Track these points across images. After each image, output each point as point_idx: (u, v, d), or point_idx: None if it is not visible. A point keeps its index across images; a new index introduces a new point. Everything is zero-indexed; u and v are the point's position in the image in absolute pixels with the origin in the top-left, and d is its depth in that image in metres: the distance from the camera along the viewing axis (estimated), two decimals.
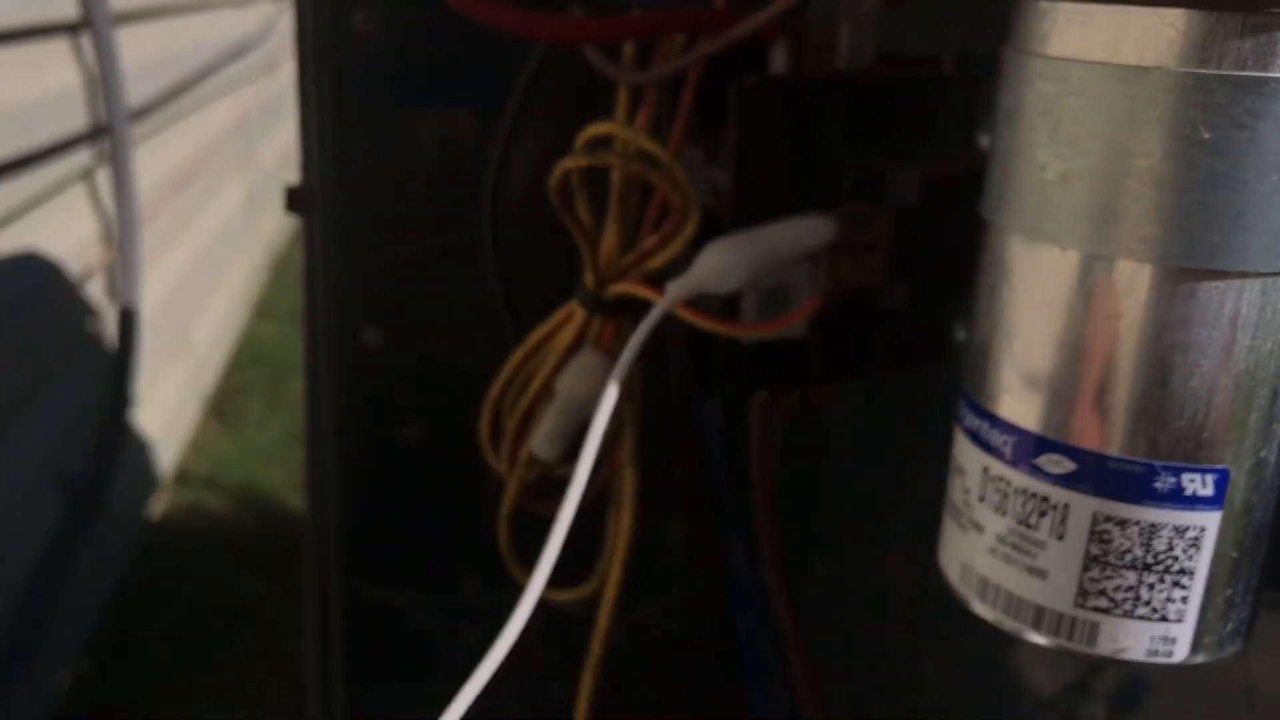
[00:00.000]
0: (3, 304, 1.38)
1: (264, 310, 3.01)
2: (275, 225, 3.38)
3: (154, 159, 1.96)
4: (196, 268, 2.32)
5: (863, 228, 0.38)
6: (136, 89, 1.78)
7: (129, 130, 1.69)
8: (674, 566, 0.55)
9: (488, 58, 0.48)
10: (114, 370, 1.65)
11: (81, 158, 1.63)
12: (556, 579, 0.43)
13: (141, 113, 1.87)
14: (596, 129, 0.37)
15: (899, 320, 0.40)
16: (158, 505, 2.01)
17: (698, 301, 0.39)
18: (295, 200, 0.54)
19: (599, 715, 0.47)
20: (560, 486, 0.45)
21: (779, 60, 0.39)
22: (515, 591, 0.37)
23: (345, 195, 0.51)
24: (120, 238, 1.71)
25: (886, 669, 0.49)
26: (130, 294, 1.69)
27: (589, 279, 0.39)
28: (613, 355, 0.39)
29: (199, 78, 2.34)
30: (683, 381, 0.41)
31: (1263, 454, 0.28)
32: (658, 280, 0.38)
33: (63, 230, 1.57)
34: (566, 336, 0.40)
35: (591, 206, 0.39)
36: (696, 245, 0.37)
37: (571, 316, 0.40)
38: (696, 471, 0.45)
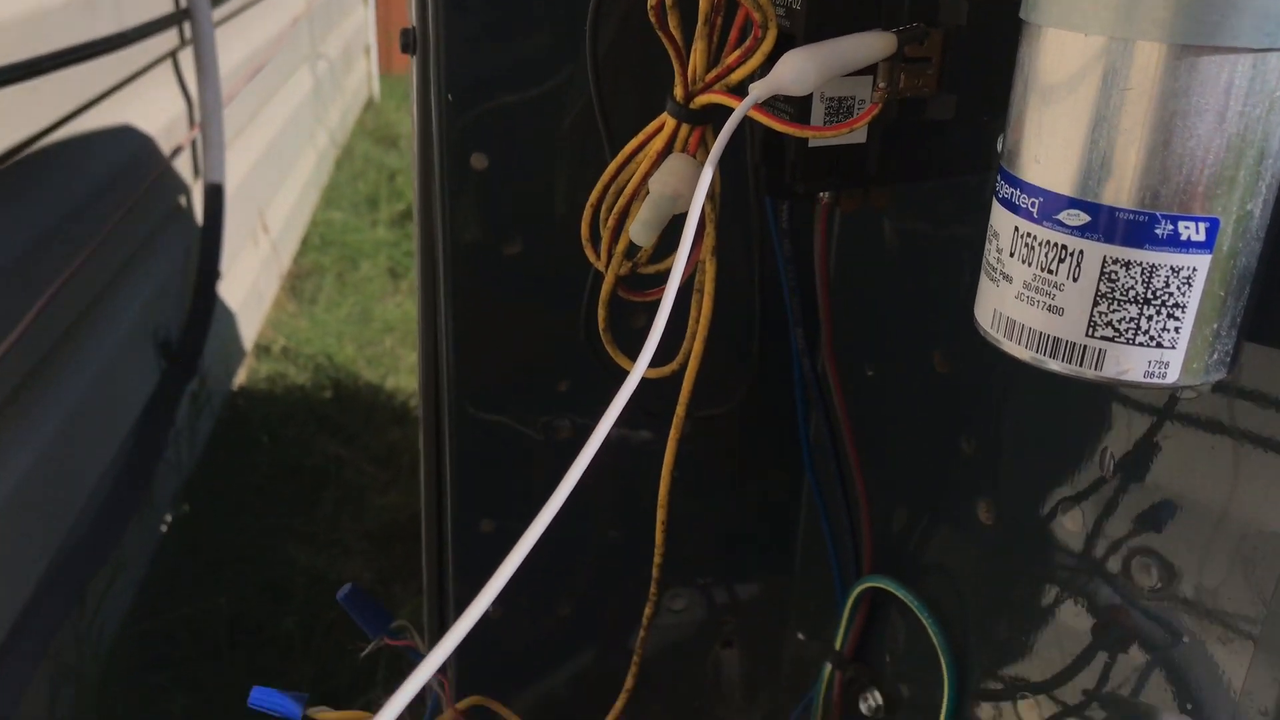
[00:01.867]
0: (102, 175, 1.46)
1: (331, 199, 3.10)
2: (339, 117, 3.44)
3: (229, 45, 2.02)
4: (270, 152, 2.40)
5: (918, 43, 0.43)
6: None
7: (210, 13, 1.76)
8: (744, 371, 0.62)
9: None
10: (203, 242, 1.74)
11: (168, 39, 1.69)
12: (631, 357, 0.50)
13: None
14: None
15: (948, 130, 0.46)
16: (240, 374, 2.12)
17: (773, 108, 0.45)
18: (408, 40, 0.60)
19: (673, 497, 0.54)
20: (646, 281, 0.52)
21: None
22: (602, 391, 0.43)
23: (455, 36, 0.57)
24: (203, 117, 1.78)
25: (927, 449, 0.56)
26: (215, 171, 1.77)
27: (678, 91, 0.46)
28: (698, 158, 0.46)
29: None
30: (756, 186, 0.48)
31: (1249, 206, 0.34)
32: (738, 92, 0.44)
33: (151, 108, 1.65)
34: (658, 143, 0.47)
35: (682, 25, 0.45)
36: (773, 60, 0.43)
37: (662, 126, 0.47)
38: (767, 272, 0.51)
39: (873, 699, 0.62)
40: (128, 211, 1.51)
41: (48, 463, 1.23)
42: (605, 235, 0.49)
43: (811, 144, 0.46)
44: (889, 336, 0.58)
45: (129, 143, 1.57)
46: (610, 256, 0.50)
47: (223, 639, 1.42)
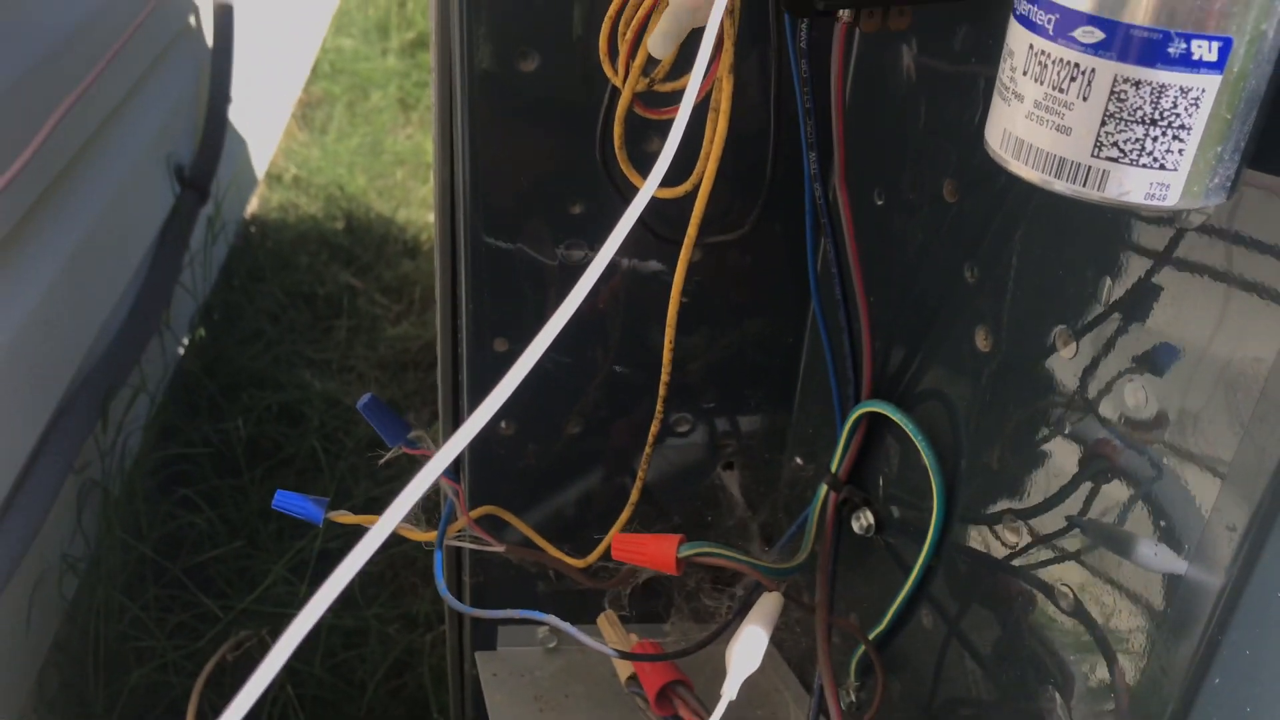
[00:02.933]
0: None
1: (340, 26, 3.03)
2: None
3: None
4: None
5: None
6: None
7: None
8: (753, 199, 0.63)
9: None
10: (213, 66, 1.72)
11: None
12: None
13: None
14: None
15: None
16: (252, 202, 2.12)
17: None
18: None
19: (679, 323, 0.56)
20: (662, 99, 0.53)
21: None
22: (615, 213, 0.44)
23: None
24: None
25: (931, 276, 0.58)
26: None
27: None
28: None
29: None
30: (776, 1, 0.47)
31: (1263, 26, 0.34)
32: None
33: None
34: None
35: None
36: None
37: None
38: (783, 93, 0.52)
39: (865, 518, 0.65)
40: (135, 31, 1.49)
41: (66, 283, 1.25)
42: (623, 48, 0.50)
43: None
44: (900, 165, 0.59)
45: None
46: (628, 71, 0.50)
47: (241, 458, 1.47)
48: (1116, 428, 0.47)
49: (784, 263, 0.68)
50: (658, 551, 0.58)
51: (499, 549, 0.66)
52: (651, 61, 0.49)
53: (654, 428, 0.61)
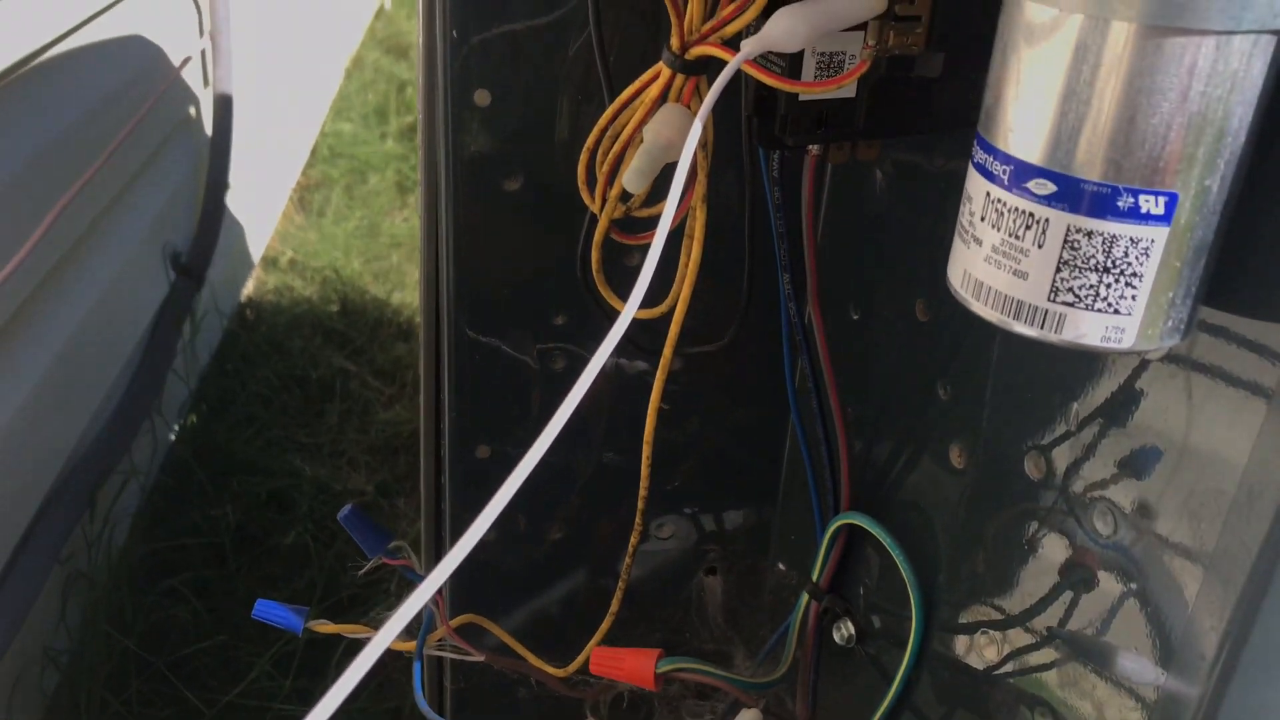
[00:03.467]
0: (113, 86, 1.47)
1: (340, 110, 3.08)
2: (349, 29, 3.41)
3: None
4: (278, 63, 2.39)
5: (907, 2, 0.44)
6: None
7: None
8: (733, 311, 0.64)
9: None
10: (212, 154, 1.75)
11: None
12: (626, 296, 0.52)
13: None
14: None
15: (935, 87, 0.47)
16: (248, 286, 2.14)
17: (765, 63, 0.46)
18: None
19: (661, 427, 0.56)
20: (639, 224, 0.54)
21: None
22: (597, 326, 0.45)
23: None
24: (213, 26, 1.77)
25: (906, 392, 0.59)
26: (224, 82, 1.77)
27: (674, 42, 0.47)
28: (692, 107, 0.47)
29: None
30: (748, 136, 0.49)
31: (1207, 183, 0.36)
32: (733, 44, 0.45)
33: (161, 18, 1.64)
34: (653, 91, 0.48)
35: None
36: (766, 15, 0.44)
37: (658, 75, 0.48)
38: (757, 218, 0.53)
39: (845, 629, 0.65)
40: (138, 122, 1.52)
41: (59, 372, 1.26)
42: (600, 179, 0.51)
43: (802, 98, 0.47)
44: (874, 283, 0.60)
45: (138, 53, 1.57)
46: (604, 201, 0.51)
47: (229, 547, 1.46)
48: (1089, 541, 0.48)
49: (765, 371, 0.69)
50: (636, 666, 0.59)
51: (479, 658, 0.66)
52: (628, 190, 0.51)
53: (633, 539, 0.61)
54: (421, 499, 0.74)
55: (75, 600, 1.27)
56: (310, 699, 1.17)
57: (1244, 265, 0.39)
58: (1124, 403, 0.45)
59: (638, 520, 0.59)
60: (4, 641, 1.04)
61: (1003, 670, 0.55)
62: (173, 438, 1.66)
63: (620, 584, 0.63)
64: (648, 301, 0.54)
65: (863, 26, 0.45)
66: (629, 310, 0.44)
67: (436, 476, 0.72)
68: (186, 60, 1.75)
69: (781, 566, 0.75)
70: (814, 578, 0.66)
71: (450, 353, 0.68)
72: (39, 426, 1.22)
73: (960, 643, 0.57)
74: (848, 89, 0.47)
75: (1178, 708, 0.44)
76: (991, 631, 0.55)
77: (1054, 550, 0.50)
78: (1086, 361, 0.47)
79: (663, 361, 0.52)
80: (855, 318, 0.62)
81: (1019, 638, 0.54)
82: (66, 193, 1.28)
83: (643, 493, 0.57)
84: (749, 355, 0.70)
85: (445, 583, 0.74)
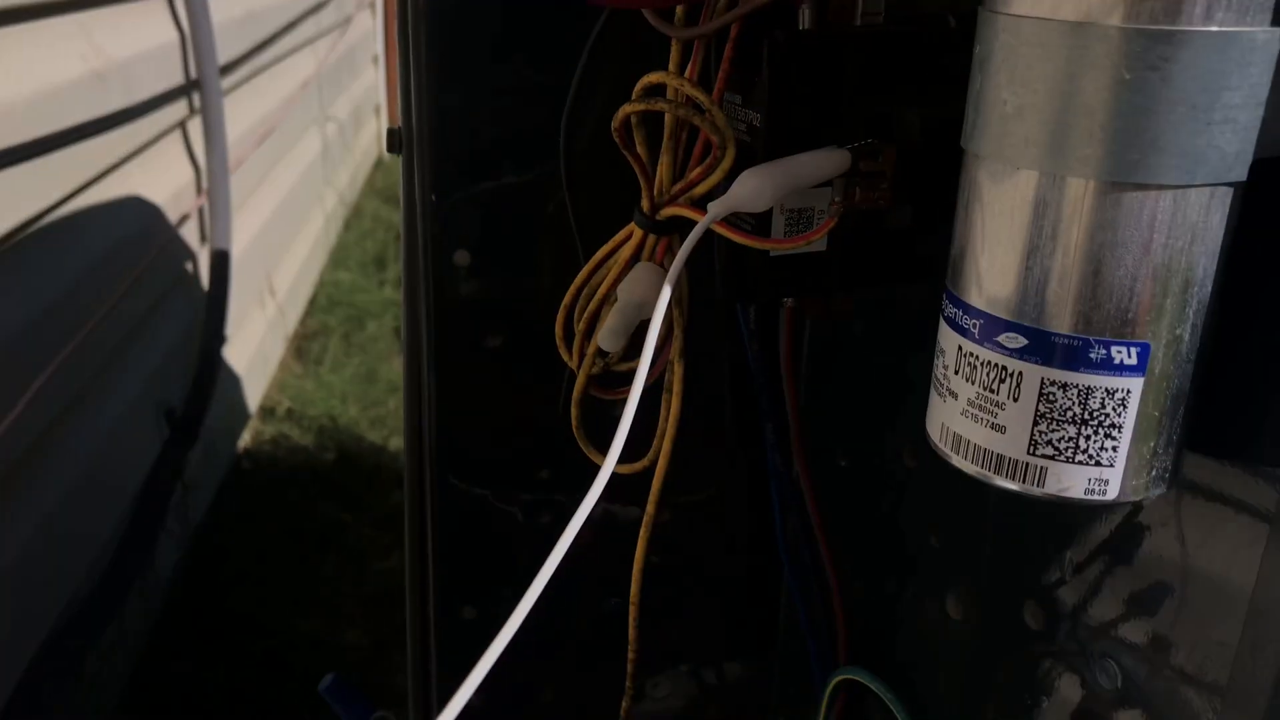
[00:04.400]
0: (110, 246, 1.49)
1: (339, 259, 3.13)
2: (348, 178, 3.49)
3: (239, 111, 2.06)
4: (278, 216, 2.44)
5: (872, 159, 0.45)
6: (224, 44, 1.88)
7: (219, 84, 1.80)
8: (718, 462, 0.63)
9: (563, 19, 0.56)
10: (208, 309, 1.77)
11: (177, 110, 1.73)
12: (619, 457, 0.52)
13: (229, 67, 1.97)
14: (651, 78, 0.45)
15: (905, 239, 0.48)
16: (245, 437, 2.14)
17: (735, 222, 0.47)
18: (395, 141, 0.62)
19: (647, 575, 0.55)
20: (618, 379, 0.54)
21: (806, 18, 0.46)
22: (582, 479, 0.45)
23: (438, 137, 0.59)
24: (210, 185, 1.81)
25: (898, 542, 0.57)
26: (221, 238, 1.80)
27: (645, 204, 0.47)
28: (664, 266, 0.47)
29: (280, 33, 2.43)
30: (724, 293, 0.49)
31: (1178, 331, 0.35)
32: (701, 204, 0.46)
33: (160, 178, 1.68)
34: (626, 252, 0.48)
35: (648, 143, 0.47)
36: (734, 175, 0.45)
37: (630, 235, 0.48)
38: (737, 372, 0.53)
39: None
40: (134, 280, 1.54)
41: (49, 533, 1.25)
42: (577, 337, 0.51)
43: (772, 254, 0.48)
44: (861, 431, 0.59)
45: (137, 212, 1.60)
46: (582, 357, 0.51)
47: (219, 712, 1.42)
48: (1091, 692, 0.46)
49: (756, 522, 0.68)
50: None
51: None
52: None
53: (625, 702, 0.59)
54: (409, 663, 0.72)
55: None
56: None
57: (1222, 411, 0.38)
58: (1120, 548, 0.44)
59: (628, 683, 0.57)
60: None
61: None
62: (166, 597, 1.63)
63: None
64: (633, 454, 0.53)
65: (830, 183, 0.45)
66: (607, 467, 0.43)
67: (423, 640, 0.70)
68: (184, 218, 1.78)
69: None
70: None
71: (434, 503, 0.67)
72: (28, 587, 1.20)
73: None
74: (818, 244, 0.48)
75: None
76: None
77: (1059, 703, 0.49)
78: (1080, 509, 0.46)
79: (646, 517, 0.51)
80: (843, 464, 0.61)
81: None
82: (60, 353, 1.28)
83: (631, 654, 0.55)
84: (740, 506, 0.69)
85: None
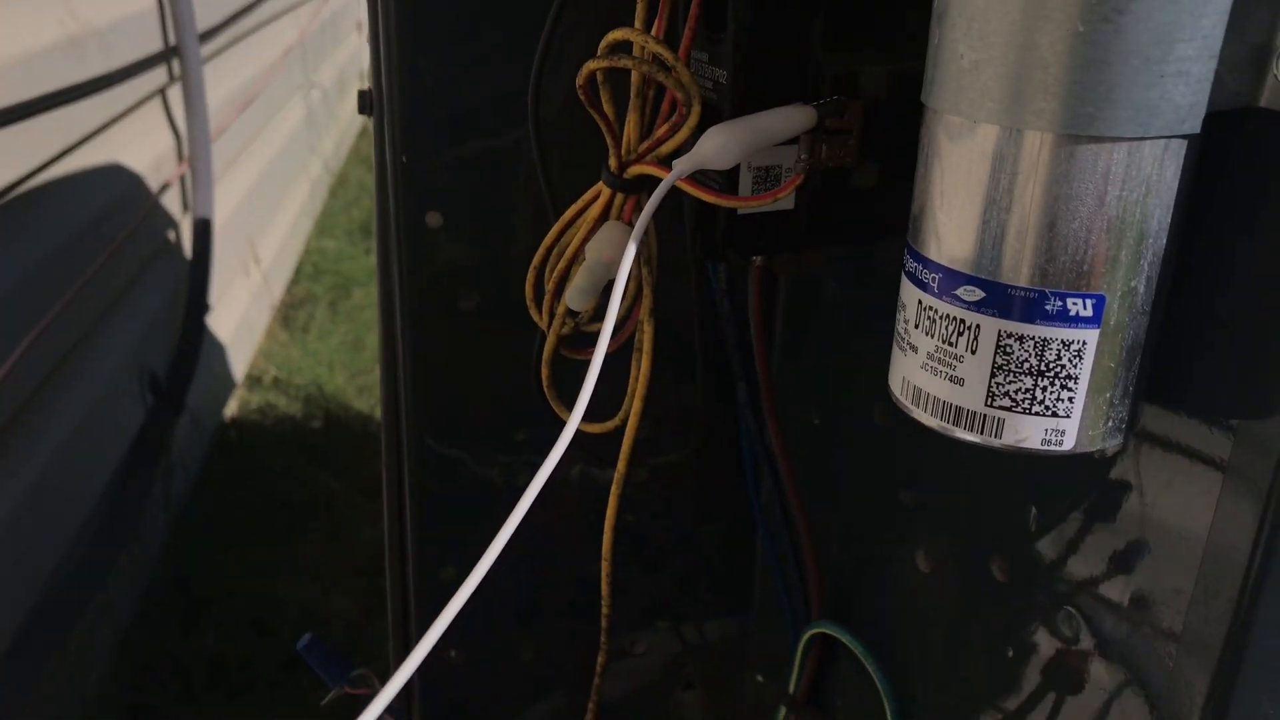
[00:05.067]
0: (90, 214, 1.48)
1: (325, 227, 3.12)
2: (333, 145, 3.47)
3: (220, 79, 2.05)
4: (261, 183, 2.42)
5: (838, 116, 0.45)
6: (204, 11, 1.87)
7: (198, 50, 1.78)
8: (694, 418, 0.64)
9: None
10: (191, 278, 1.76)
11: (156, 77, 1.72)
12: (590, 416, 0.52)
13: (209, 34, 1.96)
14: (616, 34, 0.45)
15: (871, 196, 0.48)
16: (231, 405, 2.14)
17: (702, 180, 0.47)
18: (365, 102, 0.62)
19: (625, 534, 0.56)
20: (589, 340, 0.54)
21: None
22: (556, 439, 0.45)
23: (408, 99, 0.59)
24: (192, 153, 1.80)
25: (870, 498, 0.58)
26: (203, 206, 1.79)
27: (612, 162, 0.47)
28: (632, 225, 0.48)
29: (260, 0, 2.41)
30: (693, 251, 0.49)
31: (1133, 283, 0.36)
32: (668, 163, 0.46)
33: (141, 146, 1.67)
34: (594, 211, 0.48)
35: (614, 101, 0.47)
36: (700, 133, 0.45)
37: (599, 195, 0.48)
38: (708, 330, 0.53)
39: None
40: (117, 248, 1.53)
41: (32, 503, 1.25)
42: (547, 297, 0.51)
43: (740, 211, 0.48)
44: (832, 388, 0.60)
45: (117, 180, 1.59)
46: (552, 317, 0.51)
47: (205, 680, 1.43)
48: (1052, 642, 0.47)
49: (732, 480, 0.69)
50: None
51: None
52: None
53: (600, 658, 0.60)
54: (389, 625, 0.72)
55: None
56: None
57: (1178, 362, 0.39)
58: (1082, 501, 0.45)
59: (603, 639, 0.58)
60: None
61: None
62: (152, 566, 1.64)
63: (591, 706, 0.62)
64: (604, 415, 0.54)
65: (796, 140, 0.46)
66: (571, 425, 0.44)
67: (403, 599, 0.71)
68: (166, 186, 1.77)
69: (760, 679, 0.73)
70: (791, 690, 0.64)
71: (412, 466, 0.67)
72: (11, 558, 1.20)
73: None
74: (786, 201, 0.48)
75: None
76: None
77: (1023, 651, 0.49)
78: (1042, 462, 0.46)
79: (617, 475, 0.52)
80: (816, 423, 0.62)
81: None
82: (43, 320, 1.28)
83: (605, 610, 0.56)
84: (716, 465, 0.69)
85: (416, 709, 0.72)
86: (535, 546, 0.70)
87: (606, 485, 0.70)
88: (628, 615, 0.73)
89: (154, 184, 1.71)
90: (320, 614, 1.58)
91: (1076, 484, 0.45)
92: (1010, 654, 0.50)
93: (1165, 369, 0.39)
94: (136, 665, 1.45)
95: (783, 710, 0.64)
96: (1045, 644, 0.48)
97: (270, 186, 2.54)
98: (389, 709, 0.64)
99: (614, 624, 0.57)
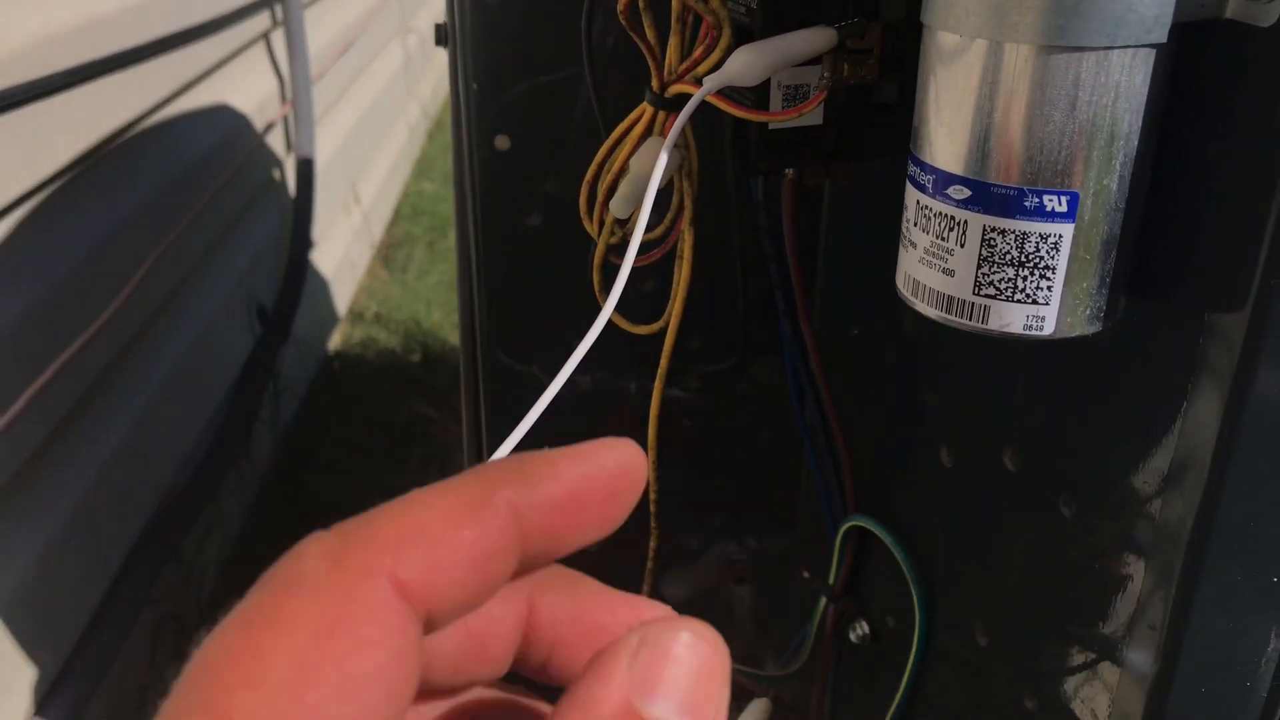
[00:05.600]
0: (200, 152, 1.58)
1: (423, 170, 3.21)
2: (430, 90, 3.55)
3: (320, 24, 2.13)
4: (361, 126, 2.51)
5: (858, 36, 0.49)
6: None
7: None
8: (739, 329, 0.68)
9: None
10: (295, 214, 1.86)
11: (260, 22, 1.80)
12: (638, 317, 0.57)
13: None
14: None
15: (893, 111, 0.52)
16: (335, 338, 2.25)
17: (735, 97, 0.51)
18: (441, 35, 0.68)
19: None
20: (641, 249, 0.59)
21: None
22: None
23: (476, 31, 0.64)
24: (294, 95, 1.89)
25: (900, 400, 0.62)
26: (305, 146, 1.88)
27: (654, 83, 0.52)
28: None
29: None
30: (730, 164, 0.54)
31: (1105, 182, 0.39)
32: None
33: (246, 88, 1.76)
34: (639, 129, 0.53)
35: (656, 27, 0.51)
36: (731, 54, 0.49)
37: (643, 113, 0.53)
38: (748, 241, 0.58)
39: (860, 629, 0.68)
40: (225, 183, 1.63)
41: (150, 419, 1.36)
42: (597, 208, 0.56)
43: (771, 127, 0.52)
44: (868, 301, 0.64)
45: (225, 120, 1.68)
46: (601, 226, 0.56)
47: None
48: (1059, 527, 0.51)
49: (778, 386, 0.74)
50: None
51: None
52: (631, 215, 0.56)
53: (652, 543, 0.66)
54: None
55: (164, 644, 1.35)
56: None
57: (1154, 256, 0.42)
58: (1075, 395, 0.49)
59: (652, 524, 0.64)
60: (98, 677, 1.12)
61: (998, 655, 0.58)
62: (261, 484, 1.75)
63: (644, 590, 0.68)
64: (645, 320, 0.59)
65: (821, 59, 0.50)
66: (606, 311, 0.49)
67: None
68: (270, 126, 1.86)
69: (805, 573, 0.79)
70: (830, 581, 0.69)
71: (486, 380, 0.73)
72: (129, 474, 1.31)
73: (957, 635, 0.60)
74: (813, 116, 0.52)
75: (1138, 671, 0.47)
76: (985, 619, 0.58)
77: (1030, 533, 0.54)
78: (1040, 360, 0.50)
79: (660, 370, 0.57)
80: (855, 334, 0.66)
81: (1009, 623, 0.57)
82: (156, 250, 1.38)
83: (653, 496, 0.62)
84: (764, 372, 0.74)
85: None
86: None
87: (669, 401, 0.76)
88: (683, 516, 0.78)
89: (259, 124, 1.80)
90: None
91: (1069, 376, 0.49)
92: (1019, 538, 0.54)
93: (1146, 262, 0.42)
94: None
95: (823, 600, 0.69)
96: (1046, 524, 0.52)
97: (369, 129, 2.63)
98: None
99: (661, 511, 0.62)
